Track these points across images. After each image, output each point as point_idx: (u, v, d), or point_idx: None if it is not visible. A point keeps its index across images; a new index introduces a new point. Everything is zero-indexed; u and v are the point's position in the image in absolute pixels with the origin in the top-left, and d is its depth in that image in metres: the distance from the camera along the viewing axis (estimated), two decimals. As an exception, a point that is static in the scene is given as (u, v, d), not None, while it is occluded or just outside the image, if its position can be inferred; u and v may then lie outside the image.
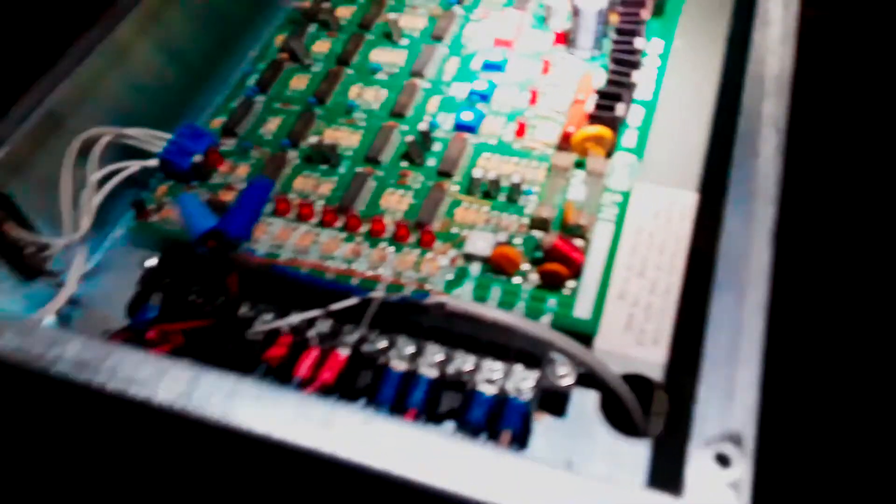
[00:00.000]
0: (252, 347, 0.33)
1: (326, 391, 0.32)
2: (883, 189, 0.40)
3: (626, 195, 0.36)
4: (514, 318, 0.31)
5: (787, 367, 0.34)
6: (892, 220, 0.40)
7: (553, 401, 0.31)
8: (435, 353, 0.32)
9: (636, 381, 0.32)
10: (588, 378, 0.31)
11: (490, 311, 0.31)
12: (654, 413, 0.31)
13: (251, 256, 0.32)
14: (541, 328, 0.30)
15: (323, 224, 0.37)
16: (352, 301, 0.32)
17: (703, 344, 0.22)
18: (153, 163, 0.39)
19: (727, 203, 0.25)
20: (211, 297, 0.34)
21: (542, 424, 0.31)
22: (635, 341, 0.33)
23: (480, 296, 0.34)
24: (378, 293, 0.32)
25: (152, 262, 0.35)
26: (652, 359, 0.33)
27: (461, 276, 0.34)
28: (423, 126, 0.39)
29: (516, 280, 0.34)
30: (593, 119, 0.37)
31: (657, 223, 0.37)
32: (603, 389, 0.32)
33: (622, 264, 0.35)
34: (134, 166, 0.39)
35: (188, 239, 0.31)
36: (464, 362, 0.31)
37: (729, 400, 0.21)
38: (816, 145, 0.40)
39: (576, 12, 0.40)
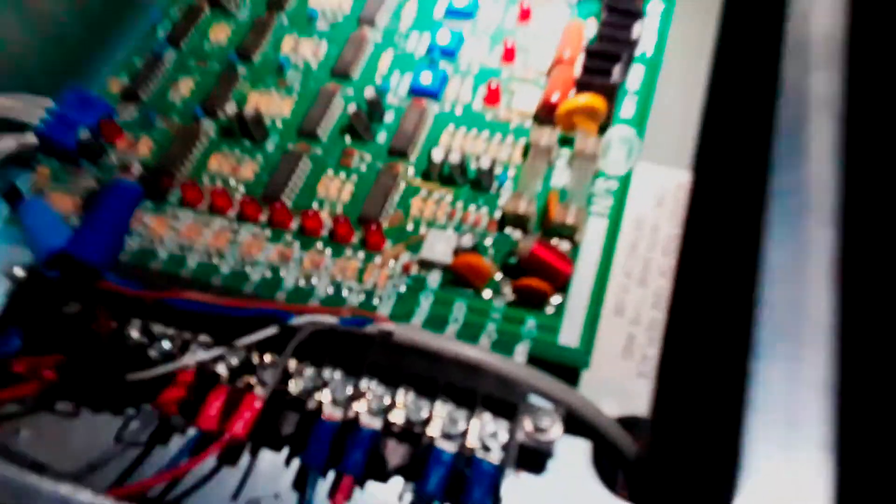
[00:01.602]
0: (143, 386, 0.26)
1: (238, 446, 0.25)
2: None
3: (623, 181, 0.29)
4: (481, 354, 0.24)
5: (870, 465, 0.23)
6: None
7: (533, 454, 0.24)
8: (380, 397, 0.25)
9: (638, 425, 0.25)
10: (577, 423, 0.24)
11: (449, 343, 0.24)
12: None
13: (124, 289, 0.24)
14: (516, 367, 0.23)
15: (243, 218, 0.29)
16: (270, 331, 0.25)
17: (740, 446, 0.15)
18: (32, 139, 0.31)
19: (766, 226, 0.18)
20: (91, 321, 0.27)
21: (520, 481, 0.24)
22: (636, 372, 0.27)
23: (441, 314, 0.26)
24: (304, 319, 0.24)
25: (20, 271, 0.28)
26: (656, 396, 0.26)
27: (417, 288, 0.27)
28: (370, 92, 0.31)
29: (486, 294, 0.27)
30: (582, 86, 0.29)
31: (661, 214, 0.30)
32: (595, 438, 0.25)
33: (619, 269, 0.28)
34: (7, 144, 0.31)
35: (35, 259, 0.24)
36: (417, 409, 0.24)
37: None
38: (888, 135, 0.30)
39: (561, -56, 0.32)
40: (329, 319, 0.24)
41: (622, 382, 0.26)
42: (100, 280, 0.24)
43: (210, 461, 0.25)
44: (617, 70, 0.29)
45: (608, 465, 0.25)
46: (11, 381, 0.26)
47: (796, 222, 0.18)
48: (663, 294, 0.28)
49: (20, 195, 0.30)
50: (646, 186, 0.30)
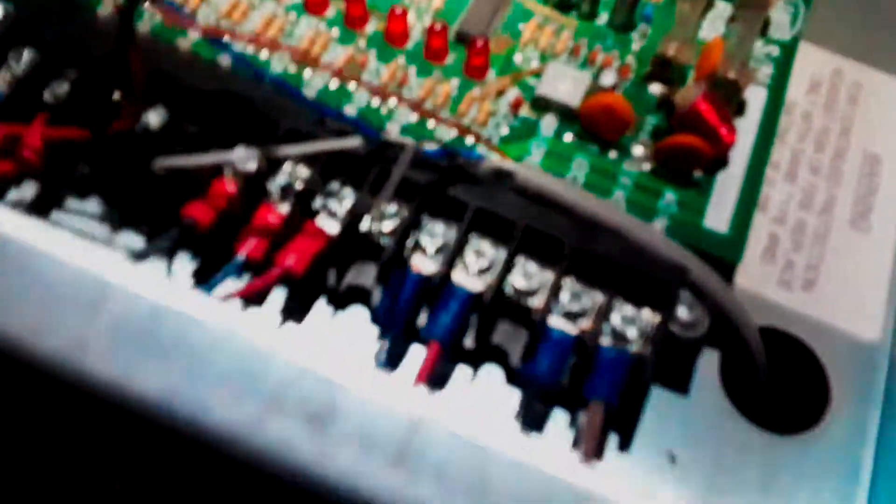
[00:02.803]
0: (167, 188, 0.19)
1: (290, 285, 0.19)
2: None
3: (786, 48, 0.24)
4: (629, 221, 0.18)
5: None
6: None
7: (676, 349, 0.19)
8: (480, 254, 0.19)
9: (776, 341, 0.20)
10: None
11: (593, 202, 0.18)
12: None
13: (182, 19, 0.17)
14: (677, 249, 0.18)
15: (306, 7, 0.23)
16: (353, 142, 0.18)
17: None
18: None
19: None
20: (103, 89, 0.20)
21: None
22: (777, 279, 0.22)
23: (554, 169, 0.21)
24: (399, 139, 0.18)
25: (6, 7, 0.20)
26: (801, 310, 0.21)
27: (525, 133, 0.21)
28: None
29: (614, 153, 0.21)
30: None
31: (815, 101, 0.25)
32: (727, 349, 0.20)
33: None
34: None
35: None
36: (528, 276, 0.19)
37: None
38: None
39: None
40: (430, 144, 0.18)
41: (759, 289, 0.21)
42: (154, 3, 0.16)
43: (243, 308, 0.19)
44: None
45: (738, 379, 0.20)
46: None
47: None
48: (814, 193, 0.23)
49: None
50: (800, 68, 0.25)
